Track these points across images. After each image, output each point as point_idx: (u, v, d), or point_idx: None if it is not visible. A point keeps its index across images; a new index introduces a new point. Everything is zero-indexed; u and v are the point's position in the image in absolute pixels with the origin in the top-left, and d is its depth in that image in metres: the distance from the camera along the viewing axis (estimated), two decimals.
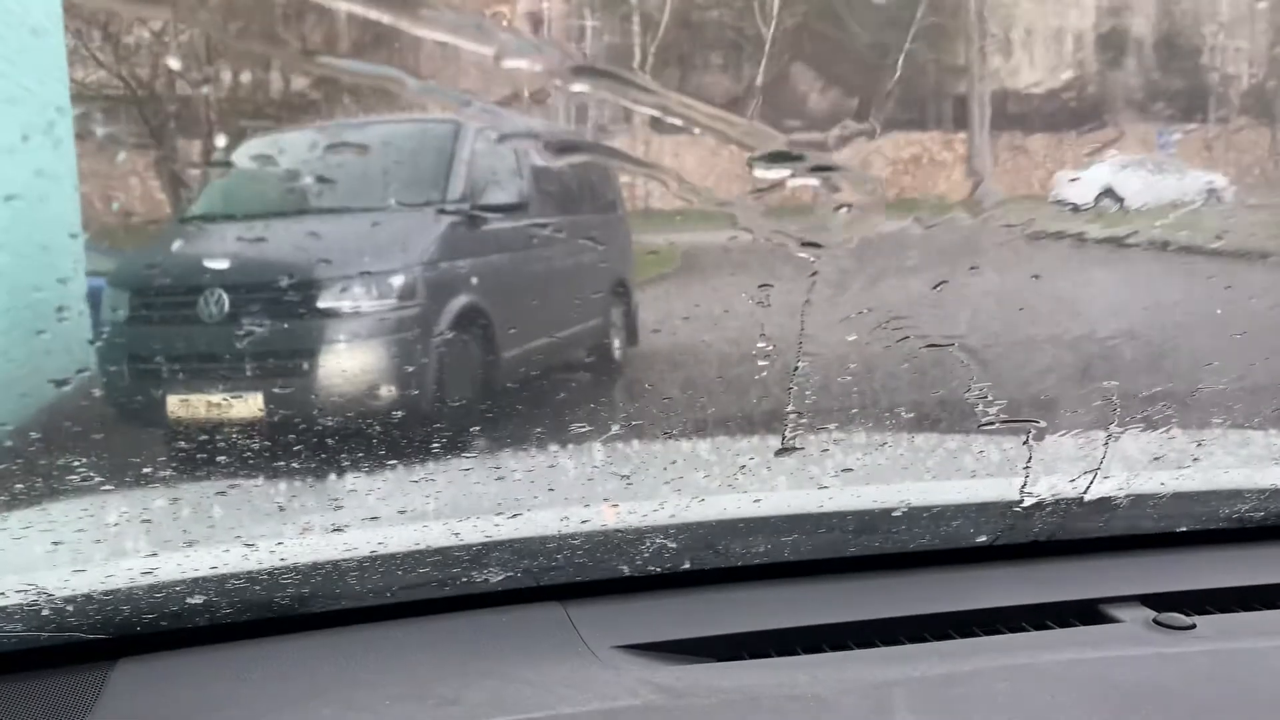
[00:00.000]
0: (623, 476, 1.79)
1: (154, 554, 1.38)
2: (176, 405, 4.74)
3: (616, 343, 6.71)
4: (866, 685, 1.28)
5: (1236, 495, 1.72)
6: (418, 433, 1.84)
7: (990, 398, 1.59)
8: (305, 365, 4.89)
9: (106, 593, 1.32)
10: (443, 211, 5.53)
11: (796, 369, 1.51)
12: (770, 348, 1.57)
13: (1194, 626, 1.43)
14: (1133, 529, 1.66)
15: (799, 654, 1.38)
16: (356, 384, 4.82)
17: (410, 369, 4.97)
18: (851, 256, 1.46)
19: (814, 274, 1.44)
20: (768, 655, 1.37)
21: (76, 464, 1.62)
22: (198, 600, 1.34)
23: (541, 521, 1.54)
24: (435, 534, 1.51)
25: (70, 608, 1.30)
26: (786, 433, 1.60)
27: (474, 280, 5.37)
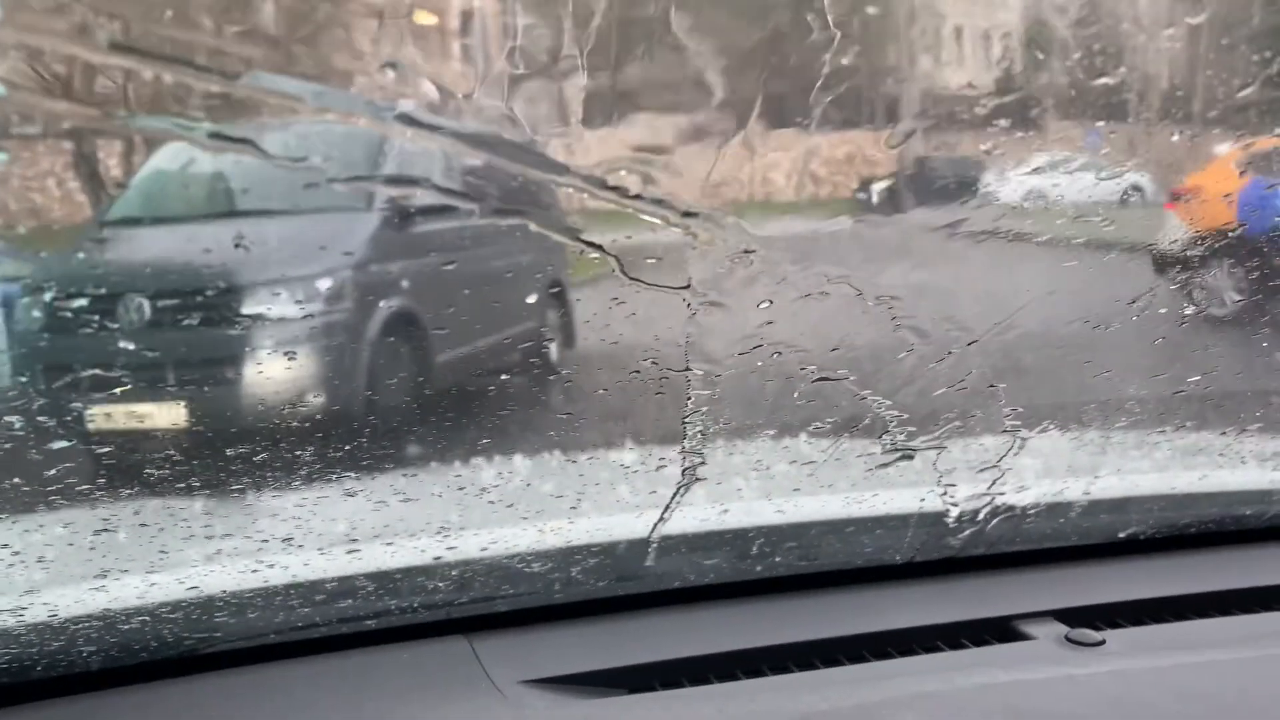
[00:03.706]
0: (525, 498, 1.74)
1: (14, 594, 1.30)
2: (92, 417, 4.56)
3: (553, 347, 6.60)
4: (775, 717, 1.25)
5: (1149, 504, 1.73)
6: (320, 452, 1.76)
7: (895, 416, 1.57)
8: (228, 374, 4.75)
9: None
10: (370, 212, 5.41)
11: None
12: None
13: (1104, 642, 1.43)
14: (1047, 542, 1.66)
15: (712, 682, 1.34)
16: (274, 394, 4.68)
17: (329, 377, 4.84)
18: None
19: None
20: (680, 685, 1.34)
21: None
22: (68, 644, 1.26)
23: (443, 548, 1.48)
24: (330, 563, 1.45)
25: None
26: (700, 449, 1.56)
27: (404, 283, 5.25)
